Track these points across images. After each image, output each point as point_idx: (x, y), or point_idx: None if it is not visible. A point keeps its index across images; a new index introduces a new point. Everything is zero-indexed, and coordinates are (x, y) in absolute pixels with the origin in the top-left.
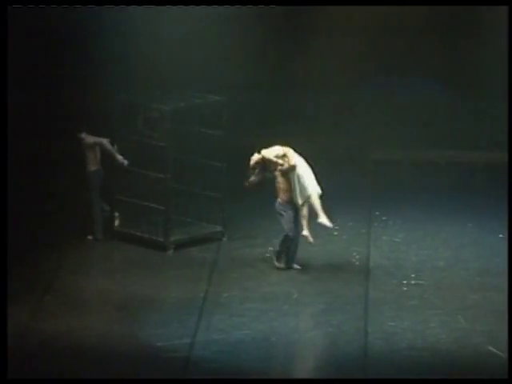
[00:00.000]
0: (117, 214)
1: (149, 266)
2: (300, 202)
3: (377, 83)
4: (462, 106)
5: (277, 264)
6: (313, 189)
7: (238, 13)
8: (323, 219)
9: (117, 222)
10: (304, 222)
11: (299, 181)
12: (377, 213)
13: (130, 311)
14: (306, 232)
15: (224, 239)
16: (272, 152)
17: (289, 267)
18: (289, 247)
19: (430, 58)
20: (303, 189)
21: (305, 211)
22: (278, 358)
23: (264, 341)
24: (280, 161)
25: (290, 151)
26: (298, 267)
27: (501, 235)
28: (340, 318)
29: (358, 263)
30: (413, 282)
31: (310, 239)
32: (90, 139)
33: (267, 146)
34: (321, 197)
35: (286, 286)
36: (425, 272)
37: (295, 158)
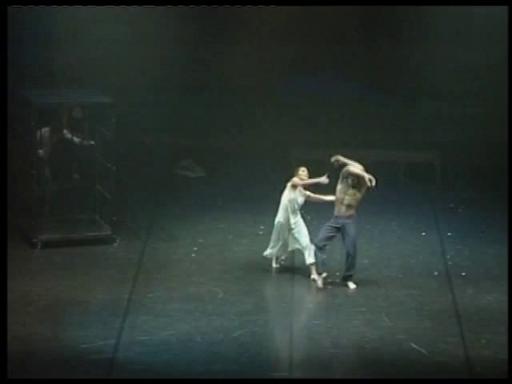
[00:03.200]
0: None
1: (72, 267)
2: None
3: (299, 83)
4: (385, 106)
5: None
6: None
7: (154, 13)
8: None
9: None
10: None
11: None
12: (301, 212)
13: (53, 313)
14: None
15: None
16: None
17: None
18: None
19: (353, 58)
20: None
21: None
22: (204, 359)
23: (189, 341)
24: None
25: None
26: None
27: (423, 233)
28: (265, 317)
29: (283, 262)
30: (337, 280)
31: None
32: None
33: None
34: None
35: (211, 286)
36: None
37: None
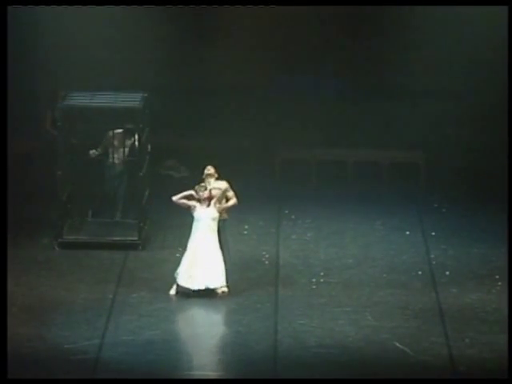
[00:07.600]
0: None
1: (56, 267)
2: None
3: (284, 83)
4: (369, 105)
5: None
6: None
7: (140, 13)
8: None
9: None
10: None
11: None
12: (286, 212)
13: (36, 313)
14: None
15: (139, 248)
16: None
17: None
18: None
19: (337, 57)
20: None
21: None
22: (188, 358)
23: (173, 341)
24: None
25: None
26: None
27: (407, 233)
28: (250, 316)
29: (267, 262)
30: (322, 280)
31: None
32: None
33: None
34: None
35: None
36: (333, 270)
37: None
